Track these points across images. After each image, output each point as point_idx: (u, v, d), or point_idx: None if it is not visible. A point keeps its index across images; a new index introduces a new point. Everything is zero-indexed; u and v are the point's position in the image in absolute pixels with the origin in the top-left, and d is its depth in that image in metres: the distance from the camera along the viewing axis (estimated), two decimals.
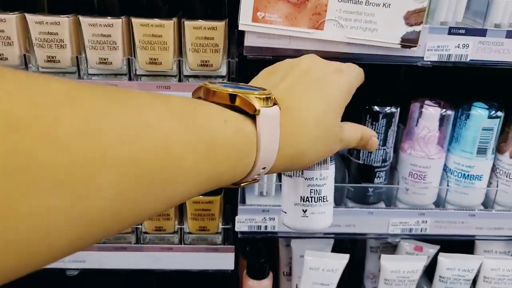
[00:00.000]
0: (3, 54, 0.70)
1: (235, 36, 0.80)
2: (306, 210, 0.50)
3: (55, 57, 0.70)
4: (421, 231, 0.87)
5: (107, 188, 0.25)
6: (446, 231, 0.87)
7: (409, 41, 0.72)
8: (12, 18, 0.68)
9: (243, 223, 0.83)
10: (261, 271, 0.90)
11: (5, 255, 0.21)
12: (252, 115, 0.36)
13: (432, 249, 0.95)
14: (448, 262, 0.92)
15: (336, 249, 0.95)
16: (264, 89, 0.38)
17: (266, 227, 0.84)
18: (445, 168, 0.86)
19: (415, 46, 0.72)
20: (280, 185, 0.84)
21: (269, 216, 0.83)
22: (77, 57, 0.71)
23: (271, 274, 0.92)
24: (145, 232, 0.85)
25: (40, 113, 0.22)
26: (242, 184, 0.39)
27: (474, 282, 0.94)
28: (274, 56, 0.73)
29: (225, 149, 0.33)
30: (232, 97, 0.37)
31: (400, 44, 0.72)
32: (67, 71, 0.72)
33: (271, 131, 0.37)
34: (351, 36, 0.71)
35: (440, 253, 0.92)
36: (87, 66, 0.72)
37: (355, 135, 0.48)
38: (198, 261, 0.86)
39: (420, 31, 0.71)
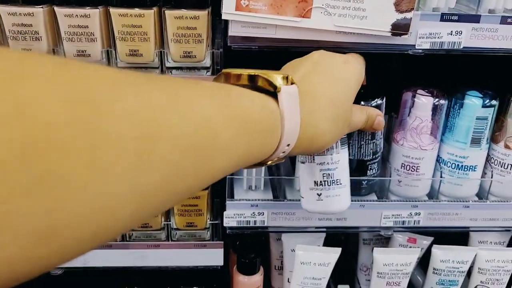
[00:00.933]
0: None
1: (221, 25, 0.77)
2: (320, 194, 0.54)
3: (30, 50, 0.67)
4: (414, 223, 0.85)
5: (162, 159, 0.27)
6: (440, 223, 0.86)
7: (400, 29, 0.69)
8: None
9: (231, 218, 0.81)
10: (251, 266, 0.88)
11: (81, 224, 0.23)
12: (274, 94, 0.39)
13: (425, 241, 0.93)
14: (442, 254, 0.90)
15: (328, 242, 0.93)
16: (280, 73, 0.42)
17: (255, 222, 0.82)
18: (439, 159, 0.84)
19: (406, 34, 0.69)
20: (270, 179, 0.82)
21: (258, 210, 0.81)
22: (53, 49, 0.68)
23: (261, 269, 0.90)
24: (131, 229, 0.83)
25: (105, 93, 0.25)
26: (268, 162, 0.42)
27: (469, 273, 0.93)
28: (259, 47, 0.71)
29: (255, 125, 0.36)
30: (253, 78, 0.40)
31: (391, 32, 0.69)
32: None
33: (293, 108, 0.40)
34: (340, 24, 0.68)
35: (434, 245, 0.90)
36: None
37: (362, 117, 0.52)
38: (186, 258, 0.84)
39: (411, 18, 0.68)
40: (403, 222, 0.85)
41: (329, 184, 0.53)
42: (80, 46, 0.68)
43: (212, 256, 0.84)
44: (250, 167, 0.42)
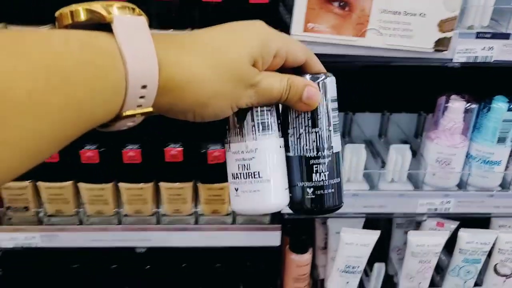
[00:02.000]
0: None
1: None
2: (237, 189, 0.44)
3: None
4: (445, 210, 0.98)
5: None
6: (467, 209, 0.99)
7: (441, 46, 0.81)
8: None
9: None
10: (302, 246, 1.02)
11: None
12: (108, 27, 0.33)
13: (452, 225, 1.06)
14: (468, 236, 1.03)
15: (365, 225, 1.07)
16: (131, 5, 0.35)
17: None
18: (468, 155, 0.97)
19: (446, 50, 0.81)
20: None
21: None
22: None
23: (310, 249, 1.04)
24: (202, 215, 0.96)
25: None
26: (127, 113, 0.34)
27: (490, 254, 1.06)
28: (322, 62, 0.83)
29: (73, 71, 0.29)
30: (74, 14, 0.33)
31: (433, 49, 0.81)
32: None
33: (138, 41, 0.33)
34: (390, 42, 0.80)
35: (461, 229, 1.04)
36: None
37: (279, 83, 0.41)
38: (249, 239, 0.98)
39: (451, 37, 0.80)
40: (436, 209, 0.98)
41: (244, 176, 0.43)
42: None
43: (271, 238, 0.98)
44: (110, 123, 0.34)
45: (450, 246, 1.08)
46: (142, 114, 0.35)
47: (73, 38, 0.31)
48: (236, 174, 0.43)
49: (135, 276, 1.04)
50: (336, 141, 0.46)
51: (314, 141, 0.45)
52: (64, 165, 0.89)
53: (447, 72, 0.95)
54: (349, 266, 1.02)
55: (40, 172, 0.90)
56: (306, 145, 0.45)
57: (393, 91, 1.16)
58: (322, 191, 0.45)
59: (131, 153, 0.88)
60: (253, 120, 0.43)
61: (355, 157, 0.95)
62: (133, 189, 0.92)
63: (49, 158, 0.86)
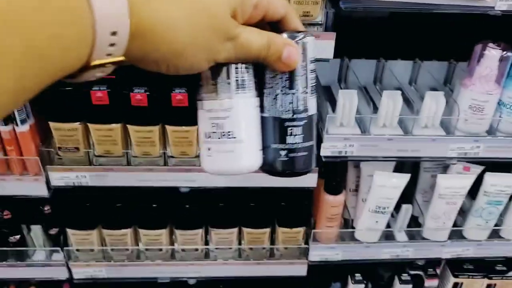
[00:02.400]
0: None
1: None
2: (210, 148, 0.43)
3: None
4: (474, 154, 1.03)
5: None
6: (495, 154, 1.03)
7: None
8: None
9: (327, 149, 0.99)
10: (337, 187, 1.08)
11: None
12: None
13: (478, 169, 1.11)
14: (493, 180, 1.09)
15: (395, 169, 1.12)
16: None
17: (346, 152, 1.00)
18: (500, 102, 1.00)
19: None
20: (357, 118, 0.98)
21: (349, 143, 0.99)
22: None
23: (344, 191, 1.10)
24: None
25: None
26: (96, 62, 0.32)
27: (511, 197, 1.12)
28: (363, 7, 0.85)
29: (30, 13, 0.27)
30: None
31: None
32: None
33: None
34: None
35: (487, 172, 1.09)
36: None
37: (259, 39, 0.38)
38: (288, 179, 1.03)
39: None
40: (465, 153, 1.03)
41: (218, 136, 0.41)
42: None
43: (309, 179, 1.03)
44: (78, 74, 0.32)
45: (472, 189, 1.13)
46: (112, 63, 0.32)
47: None
48: (209, 133, 0.42)
49: (177, 214, 1.10)
50: (312, 103, 0.45)
51: (290, 103, 0.44)
52: (113, 107, 0.92)
53: (483, 21, 0.96)
54: (380, 207, 1.08)
55: (90, 114, 0.93)
56: (282, 107, 0.44)
57: (424, 39, 1.18)
58: (295, 153, 0.45)
59: (179, 96, 0.91)
60: (229, 77, 0.41)
61: (391, 103, 0.98)
62: (179, 132, 0.96)
63: (100, 101, 0.90)
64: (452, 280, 1.29)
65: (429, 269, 1.33)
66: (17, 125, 0.92)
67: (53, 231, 1.11)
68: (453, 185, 1.08)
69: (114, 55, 0.32)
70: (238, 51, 0.38)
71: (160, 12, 0.33)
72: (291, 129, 0.44)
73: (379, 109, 1.00)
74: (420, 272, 1.33)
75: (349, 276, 1.31)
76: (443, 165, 1.15)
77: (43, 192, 1.00)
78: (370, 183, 1.08)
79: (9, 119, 0.92)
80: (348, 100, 0.98)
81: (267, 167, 0.46)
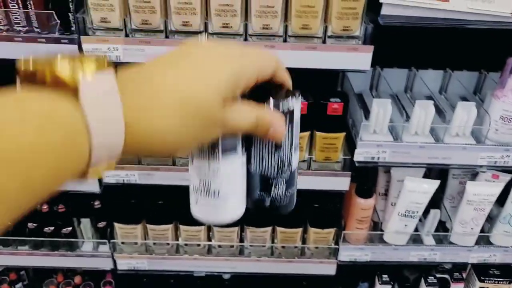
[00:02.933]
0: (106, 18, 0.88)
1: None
2: (197, 200, 0.45)
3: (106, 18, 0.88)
4: (503, 163, 1.07)
5: None
6: None
7: None
8: None
9: (360, 155, 1.05)
10: (368, 191, 1.13)
11: None
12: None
13: (507, 177, 1.15)
14: None
15: (424, 175, 1.16)
16: (100, 56, 0.33)
17: (378, 158, 1.05)
18: None
19: None
20: (390, 126, 1.03)
21: (382, 149, 1.04)
22: (124, 19, 0.89)
23: (374, 195, 1.15)
24: None
25: None
26: (90, 175, 0.33)
27: None
28: (402, 23, 0.90)
29: (29, 155, 0.27)
30: (38, 75, 0.30)
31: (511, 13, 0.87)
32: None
33: (105, 108, 0.31)
34: (472, 6, 0.86)
35: None
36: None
37: (247, 120, 0.39)
38: (321, 183, 1.09)
39: None
40: (495, 162, 1.07)
41: (204, 193, 0.44)
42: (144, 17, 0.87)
43: (341, 183, 1.09)
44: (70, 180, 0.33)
45: (500, 196, 1.17)
46: (105, 169, 0.34)
47: (30, 112, 0.28)
48: (197, 188, 0.44)
49: None
50: (295, 158, 0.48)
51: (276, 162, 0.46)
52: None
53: None
54: (409, 211, 1.13)
55: None
56: (268, 165, 0.46)
57: (455, 49, 1.22)
58: (278, 201, 0.49)
59: None
60: (217, 144, 0.42)
61: (423, 113, 1.03)
62: None
63: None
64: (478, 284, 1.32)
65: (455, 273, 1.37)
66: None
67: (101, 224, 1.19)
68: (481, 192, 1.12)
69: (108, 165, 0.34)
70: (227, 131, 0.39)
71: (154, 123, 0.34)
72: (276, 183, 0.47)
73: (411, 118, 1.05)
74: (446, 276, 1.37)
75: (376, 277, 1.36)
76: (472, 172, 1.19)
77: (95, 188, 1.08)
78: (400, 188, 1.13)
79: None
80: (382, 108, 1.03)
81: (253, 207, 0.50)
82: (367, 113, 1.13)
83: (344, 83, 1.26)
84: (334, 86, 1.26)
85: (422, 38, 1.19)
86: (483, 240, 1.22)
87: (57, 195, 1.08)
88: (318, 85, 1.09)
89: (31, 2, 0.87)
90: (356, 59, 0.93)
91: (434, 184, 1.11)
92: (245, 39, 0.92)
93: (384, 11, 0.88)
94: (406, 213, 1.14)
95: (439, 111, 1.09)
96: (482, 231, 1.20)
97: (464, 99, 1.23)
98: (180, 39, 0.91)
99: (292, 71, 0.47)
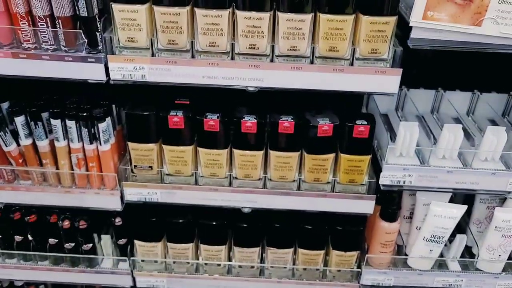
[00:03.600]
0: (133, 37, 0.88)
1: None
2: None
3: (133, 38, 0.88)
4: None
5: None
6: None
7: None
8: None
9: (386, 178, 1.03)
10: (393, 215, 1.10)
11: None
12: None
13: None
14: None
15: (450, 199, 1.13)
16: None
17: (404, 181, 1.03)
18: None
19: None
20: (417, 149, 1.00)
21: (408, 173, 1.02)
22: (151, 39, 0.89)
23: (400, 219, 1.12)
24: (304, 181, 1.06)
25: None
26: None
27: None
28: (433, 47, 0.88)
29: None
30: None
31: None
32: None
33: None
34: (505, 31, 0.84)
35: None
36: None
37: None
38: (345, 205, 1.07)
39: None
40: None
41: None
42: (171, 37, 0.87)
43: (366, 206, 1.07)
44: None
45: None
46: None
47: None
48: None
49: (237, 232, 1.16)
50: None
51: None
52: (187, 131, 0.99)
53: None
54: (435, 236, 1.10)
55: (166, 137, 1.01)
56: None
57: (484, 71, 1.19)
58: None
59: (249, 123, 0.97)
60: None
61: (452, 137, 1.01)
62: (245, 156, 1.02)
63: (176, 125, 0.98)
64: None
65: None
66: (100, 144, 1.00)
67: (122, 241, 1.18)
68: (510, 218, 1.08)
69: None
70: None
71: None
72: None
73: (439, 142, 1.03)
74: None
75: None
76: (500, 197, 1.16)
77: (117, 205, 1.08)
78: (426, 212, 1.10)
79: (94, 138, 1.00)
80: (409, 131, 1.01)
81: None
82: (392, 134, 1.11)
83: (369, 102, 1.24)
84: (359, 106, 1.24)
85: (450, 60, 1.17)
86: (511, 267, 1.18)
87: (79, 212, 1.06)
88: (343, 105, 1.07)
89: (60, 21, 0.87)
90: (384, 82, 0.91)
91: (461, 209, 1.08)
92: (272, 60, 0.91)
93: (414, 34, 0.87)
94: (431, 238, 1.11)
95: (467, 134, 1.06)
96: (510, 258, 1.16)
97: (492, 121, 1.20)
98: (206, 59, 0.91)
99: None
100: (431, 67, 1.22)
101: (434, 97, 1.23)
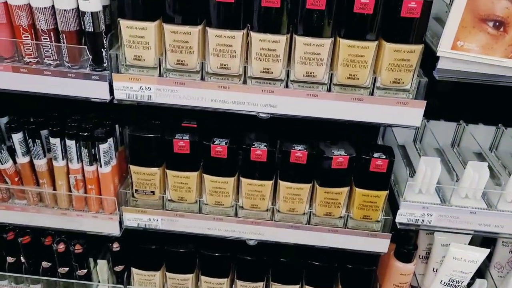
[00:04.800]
0: (140, 56, 0.83)
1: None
2: None
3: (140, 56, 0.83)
4: None
5: None
6: None
7: None
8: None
9: (403, 216, 0.95)
10: (409, 256, 1.03)
11: None
12: None
13: None
14: None
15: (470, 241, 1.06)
16: None
17: (423, 221, 0.96)
18: None
19: None
20: (437, 187, 0.93)
21: (428, 212, 0.95)
22: (159, 58, 0.84)
23: (416, 259, 1.05)
24: (314, 215, 0.99)
25: None
26: None
27: None
28: (459, 78, 0.82)
29: None
30: None
31: None
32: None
33: None
34: None
35: None
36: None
37: None
38: (357, 243, 1.00)
39: None
40: None
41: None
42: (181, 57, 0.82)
43: (380, 244, 0.99)
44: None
45: None
46: None
47: None
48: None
49: (241, 265, 1.09)
50: None
51: None
52: (193, 156, 0.93)
53: None
54: (453, 280, 1.02)
55: (170, 161, 0.95)
56: None
57: (509, 105, 1.13)
58: None
59: (259, 151, 0.91)
60: None
61: (477, 176, 0.94)
62: (254, 185, 0.95)
63: (181, 149, 0.92)
64: None
65: None
66: (100, 166, 0.95)
67: (118, 268, 1.12)
68: None
69: None
70: None
71: None
72: None
73: (462, 180, 0.96)
74: None
75: None
76: None
77: (115, 231, 1.02)
78: (444, 253, 1.03)
79: (94, 160, 0.95)
80: (430, 167, 0.94)
81: None
82: (410, 168, 1.04)
83: (385, 132, 1.18)
84: (375, 135, 1.17)
85: (473, 91, 1.10)
86: None
87: (75, 234, 0.99)
88: (358, 133, 1.01)
89: (64, 35, 0.82)
90: (406, 114, 0.85)
91: (484, 252, 1.00)
92: (286, 86, 0.86)
93: (441, 64, 0.81)
94: (450, 282, 1.03)
95: (491, 172, 0.99)
96: None
97: None
98: (217, 82, 0.85)
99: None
100: (453, 98, 1.15)
101: (455, 130, 1.16)
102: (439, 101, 1.11)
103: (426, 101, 0.84)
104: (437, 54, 0.79)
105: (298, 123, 0.89)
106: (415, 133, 1.17)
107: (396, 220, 0.96)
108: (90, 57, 0.84)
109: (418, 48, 0.80)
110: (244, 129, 0.97)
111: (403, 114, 0.85)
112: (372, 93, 0.85)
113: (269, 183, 0.96)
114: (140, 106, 0.88)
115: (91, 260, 1.13)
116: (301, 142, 0.94)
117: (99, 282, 1.15)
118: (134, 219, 1.01)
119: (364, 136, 1.11)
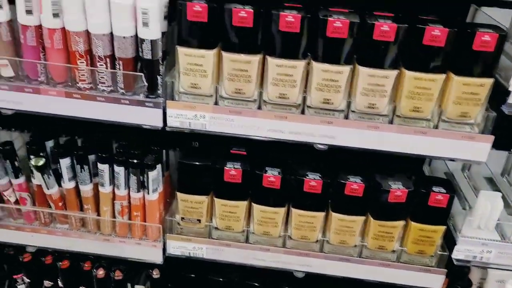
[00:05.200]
0: (197, 84, 0.81)
1: None
2: None
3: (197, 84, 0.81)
4: None
5: None
6: None
7: None
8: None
9: (460, 252, 0.91)
10: None
11: None
12: None
13: None
14: None
15: None
16: None
17: (481, 258, 0.92)
18: None
19: None
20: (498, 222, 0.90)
21: (487, 249, 0.91)
22: (216, 86, 0.82)
23: None
24: (366, 248, 0.95)
25: None
26: None
27: None
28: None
29: None
30: None
31: None
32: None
33: None
34: None
35: None
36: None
37: None
38: (410, 278, 0.96)
39: None
40: None
41: None
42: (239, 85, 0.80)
43: (433, 280, 0.95)
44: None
45: None
46: None
47: None
48: None
49: None
50: None
51: None
52: (244, 186, 0.90)
53: None
54: None
55: (219, 190, 0.92)
56: None
57: None
58: None
59: (313, 182, 0.88)
60: None
61: None
62: (304, 216, 0.92)
63: (232, 178, 0.89)
64: None
65: None
66: (148, 193, 0.92)
67: None
68: None
69: None
70: None
71: None
72: None
73: None
74: None
75: None
76: None
77: (158, 258, 0.99)
78: None
79: (142, 187, 0.92)
80: (490, 202, 0.90)
81: None
82: (460, 199, 1.00)
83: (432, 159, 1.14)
84: (421, 161, 1.13)
85: None
86: None
87: (114, 260, 0.96)
88: (402, 159, 0.97)
89: (121, 62, 0.80)
90: (472, 149, 0.81)
91: None
92: (346, 117, 0.82)
93: None
94: None
95: None
96: None
97: None
98: (274, 111, 0.83)
99: None
100: (505, 126, 1.11)
101: (506, 158, 1.12)
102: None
103: (494, 136, 0.81)
104: (509, 89, 0.76)
105: (346, 152, 0.86)
106: None
107: (453, 256, 0.92)
108: (146, 84, 0.81)
109: (489, 82, 0.77)
110: (295, 157, 0.94)
111: (469, 148, 0.81)
112: (436, 127, 0.82)
113: (321, 215, 0.92)
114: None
115: (129, 285, 1.10)
116: (355, 173, 0.91)
117: None
118: (179, 247, 0.98)
119: (410, 162, 1.07)
